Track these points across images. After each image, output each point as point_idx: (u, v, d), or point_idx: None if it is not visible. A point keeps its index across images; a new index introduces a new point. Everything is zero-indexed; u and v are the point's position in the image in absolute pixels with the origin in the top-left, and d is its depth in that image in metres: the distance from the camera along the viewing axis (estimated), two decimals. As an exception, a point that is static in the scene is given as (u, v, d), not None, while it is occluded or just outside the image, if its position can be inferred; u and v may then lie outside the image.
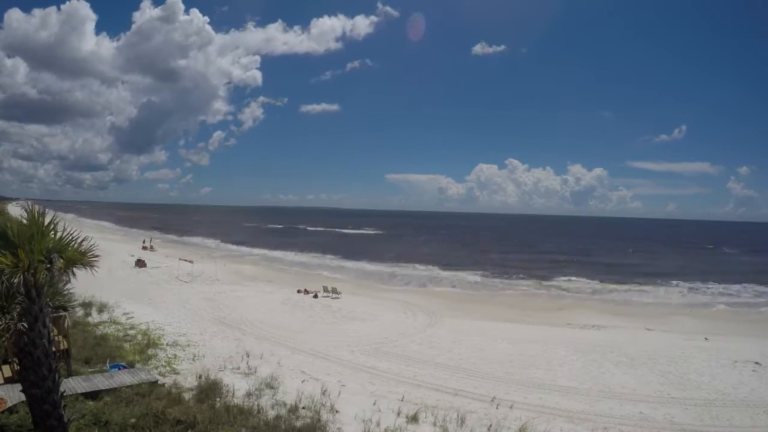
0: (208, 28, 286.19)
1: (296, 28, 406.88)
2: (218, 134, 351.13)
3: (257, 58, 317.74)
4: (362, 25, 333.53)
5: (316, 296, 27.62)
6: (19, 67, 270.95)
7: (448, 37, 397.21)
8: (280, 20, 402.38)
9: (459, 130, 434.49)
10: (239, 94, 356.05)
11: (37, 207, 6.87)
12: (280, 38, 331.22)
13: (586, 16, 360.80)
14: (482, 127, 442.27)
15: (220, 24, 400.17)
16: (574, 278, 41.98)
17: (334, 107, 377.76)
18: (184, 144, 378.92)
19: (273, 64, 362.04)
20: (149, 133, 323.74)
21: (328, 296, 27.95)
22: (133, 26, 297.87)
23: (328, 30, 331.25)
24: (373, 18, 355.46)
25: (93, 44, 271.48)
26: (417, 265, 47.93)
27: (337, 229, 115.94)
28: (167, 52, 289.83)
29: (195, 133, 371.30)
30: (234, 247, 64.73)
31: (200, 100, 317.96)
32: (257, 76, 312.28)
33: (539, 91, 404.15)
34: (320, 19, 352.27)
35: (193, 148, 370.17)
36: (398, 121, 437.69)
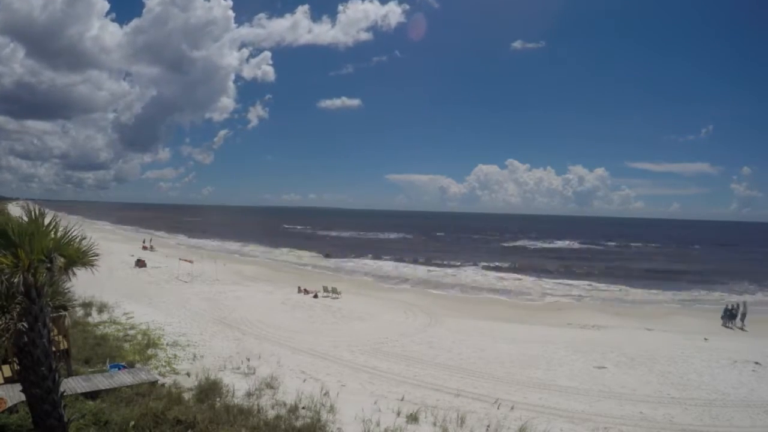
0: (230, 14, 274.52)
1: (324, 17, 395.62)
2: (224, 132, 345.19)
3: (268, 54, 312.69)
4: (395, 13, 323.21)
5: (316, 296, 27.62)
6: (18, 55, 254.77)
7: (477, 33, 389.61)
8: (308, 5, 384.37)
9: (459, 131, 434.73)
10: (249, 91, 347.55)
11: (36, 206, 6.88)
12: (305, 26, 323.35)
13: (589, 19, 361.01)
14: (482, 128, 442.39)
15: (240, 11, 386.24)
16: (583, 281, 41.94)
17: (356, 102, 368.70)
18: (189, 141, 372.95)
19: (293, 56, 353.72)
20: (153, 129, 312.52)
21: (328, 296, 27.94)
22: (144, 11, 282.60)
23: (361, 17, 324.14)
24: (406, 6, 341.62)
25: (100, 31, 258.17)
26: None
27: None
28: (179, 42, 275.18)
29: (201, 131, 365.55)
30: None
31: (208, 96, 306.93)
32: (269, 71, 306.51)
33: (540, 91, 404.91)
34: (350, 4, 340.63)
35: (199, 146, 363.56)
36: (403, 121, 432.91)
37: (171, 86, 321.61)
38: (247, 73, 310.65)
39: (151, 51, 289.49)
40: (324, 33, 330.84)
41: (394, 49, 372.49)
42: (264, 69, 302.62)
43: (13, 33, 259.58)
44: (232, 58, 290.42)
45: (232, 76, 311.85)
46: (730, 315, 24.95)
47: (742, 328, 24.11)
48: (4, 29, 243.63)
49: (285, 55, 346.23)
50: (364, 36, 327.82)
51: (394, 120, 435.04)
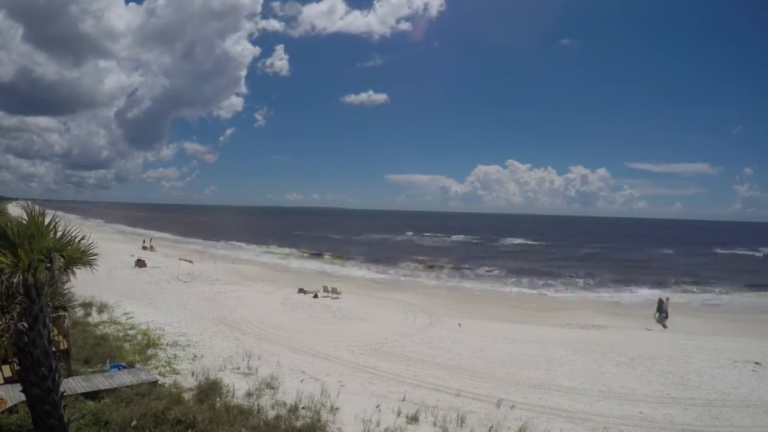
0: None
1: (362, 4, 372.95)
2: (230, 130, 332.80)
3: (281, 47, 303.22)
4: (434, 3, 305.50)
5: (316, 296, 27.61)
6: (14, 42, 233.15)
7: (481, 33, 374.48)
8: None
9: (459, 131, 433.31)
10: (260, 87, 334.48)
11: (36, 207, 6.88)
12: (341, 10, 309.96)
13: (589, 20, 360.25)
14: (482, 128, 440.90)
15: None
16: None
17: (382, 97, 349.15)
18: (196, 139, 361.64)
19: (320, 45, 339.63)
20: (158, 126, 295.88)
21: (328, 296, 27.94)
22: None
23: (403, 3, 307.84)
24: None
25: (109, 13, 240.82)
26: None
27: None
28: (194, 30, 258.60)
29: (207, 129, 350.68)
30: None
31: (218, 91, 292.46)
32: (283, 66, 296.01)
33: (540, 91, 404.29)
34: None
35: (204, 144, 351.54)
36: (411, 119, 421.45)
37: (180, 79, 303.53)
38: (261, 67, 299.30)
39: (162, 39, 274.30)
40: (358, 20, 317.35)
41: (420, 43, 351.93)
42: (278, 65, 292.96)
43: (10, 14, 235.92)
44: (247, 51, 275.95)
45: (245, 72, 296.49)
46: (659, 309, 25.54)
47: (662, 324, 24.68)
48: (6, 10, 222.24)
49: (310, 45, 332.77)
50: (404, 26, 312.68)
51: (415, 117, 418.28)
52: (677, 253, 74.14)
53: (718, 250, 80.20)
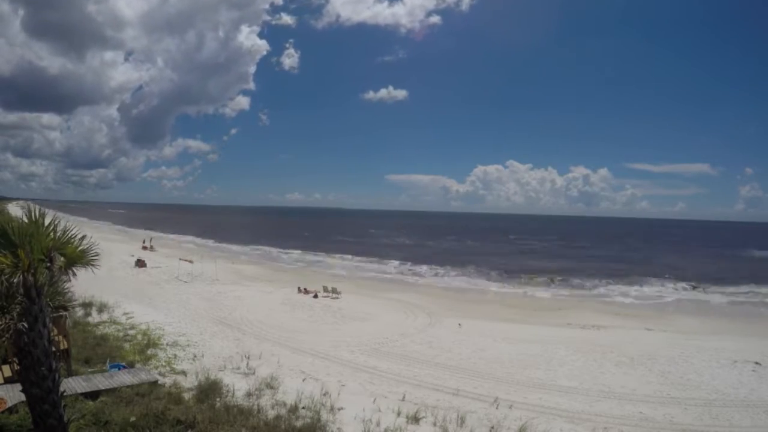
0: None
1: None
2: (234, 130, 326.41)
3: (292, 41, 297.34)
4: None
5: (316, 296, 27.61)
6: (12, 31, 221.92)
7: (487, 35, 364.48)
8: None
9: (460, 131, 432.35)
10: (268, 83, 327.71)
11: (36, 207, 6.89)
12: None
13: (589, 19, 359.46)
14: (481, 128, 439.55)
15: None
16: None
17: (402, 93, 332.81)
18: (200, 137, 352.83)
19: (340, 38, 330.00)
20: (161, 124, 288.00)
21: (328, 296, 27.93)
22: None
23: None
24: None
25: (112, 1, 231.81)
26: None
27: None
28: (204, 21, 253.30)
29: (210, 128, 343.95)
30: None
31: (223, 88, 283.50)
32: (293, 64, 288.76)
33: (540, 91, 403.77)
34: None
35: (209, 143, 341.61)
36: (415, 119, 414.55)
37: (187, 74, 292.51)
38: (271, 64, 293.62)
39: (170, 30, 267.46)
40: (384, 11, 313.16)
41: (441, 39, 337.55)
42: (288, 62, 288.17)
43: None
44: (258, 47, 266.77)
45: (254, 68, 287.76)
46: None
47: None
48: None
49: (329, 39, 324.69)
50: (434, 19, 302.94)
51: (432, 115, 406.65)
52: (678, 252, 74.18)
53: (721, 250, 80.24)
